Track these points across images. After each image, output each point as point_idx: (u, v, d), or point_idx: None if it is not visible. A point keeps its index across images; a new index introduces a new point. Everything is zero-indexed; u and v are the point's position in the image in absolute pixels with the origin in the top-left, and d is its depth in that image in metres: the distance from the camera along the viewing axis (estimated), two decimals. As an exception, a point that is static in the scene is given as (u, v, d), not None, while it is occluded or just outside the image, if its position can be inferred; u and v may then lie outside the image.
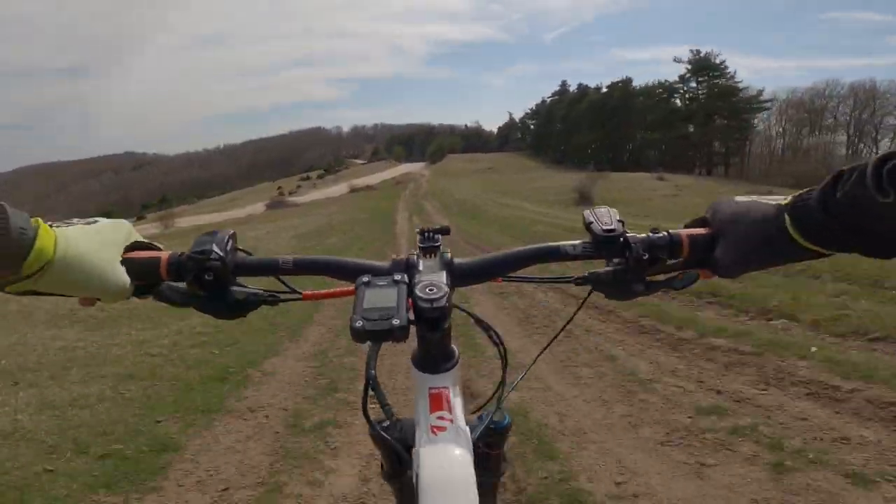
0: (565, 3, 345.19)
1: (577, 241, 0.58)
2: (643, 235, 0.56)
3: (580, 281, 0.59)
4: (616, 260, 0.57)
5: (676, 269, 0.58)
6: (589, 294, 0.62)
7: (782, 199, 0.51)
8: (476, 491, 0.46)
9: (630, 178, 35.84)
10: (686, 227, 0.59)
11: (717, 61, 62.00)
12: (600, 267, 0.59)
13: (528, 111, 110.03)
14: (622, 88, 71.25)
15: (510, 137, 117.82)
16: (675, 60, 64.57)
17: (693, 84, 64.29)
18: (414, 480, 0.48)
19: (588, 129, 72.26)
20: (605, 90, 74.89)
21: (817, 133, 55.33)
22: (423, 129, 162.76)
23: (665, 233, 0.56)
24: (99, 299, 0.53)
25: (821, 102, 56.17)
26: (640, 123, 66.89)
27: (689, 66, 63.41)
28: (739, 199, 0.55)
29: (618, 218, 0.58)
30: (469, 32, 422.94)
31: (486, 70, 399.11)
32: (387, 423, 0.55)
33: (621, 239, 0.56)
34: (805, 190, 0.48)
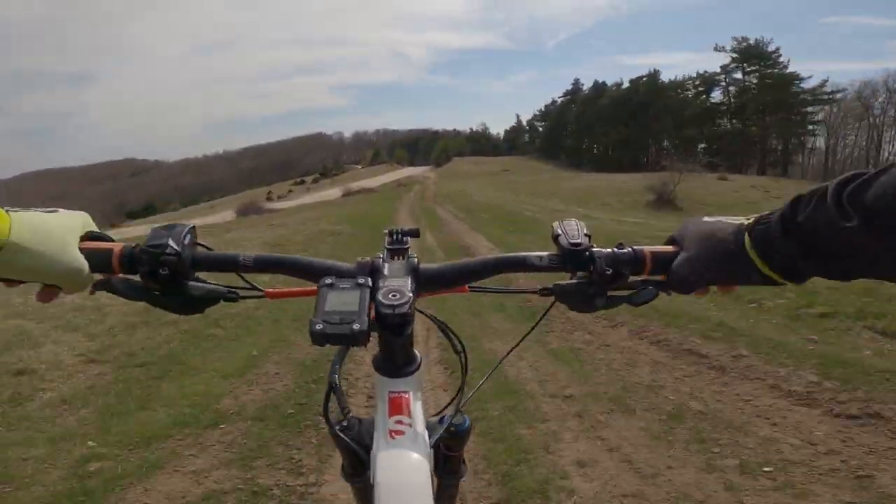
0: (566, 10, 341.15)
1: (544, 253, 0.58)
2: (608, 250, 0.57)
3: (545, 292, 0.59)
4: (580, 273, 0.58)
5: (637, 285, 0.58)
6: (552, 305, 0.62)
7: (745, 219, 0.52)
8: (432, 497, 0.46)
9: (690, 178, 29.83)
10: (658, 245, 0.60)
11: (769, 49, 54.26)
12: (565, 279, 0.60)
13: (537, 113, 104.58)
14: (648, 83, 64.77)
15: (518, 141, 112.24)
16: (716, 49, 57.16)
17: (738, 75, 56.82)
18: (372, 482, 0.49)
19: (609, 128, 65.64)
20: (626, 86, 68.67)
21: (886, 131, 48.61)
22: (426, 134, 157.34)
23: (630, 249, 0.57)
24: (59, 289, 0.51)
25: (884, 96, 49.58)
26: (671, 120, 60.05)
27: (735, 55, 55.97)
28: (707, 219, 0.56)
29: (585, 232, 0.58)
30: (471, 39, 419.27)
31: (489, 77, 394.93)
32: (345, 423, 0.55)
33: (587, 253, 0.56)
34: (766, 213, 0.49)
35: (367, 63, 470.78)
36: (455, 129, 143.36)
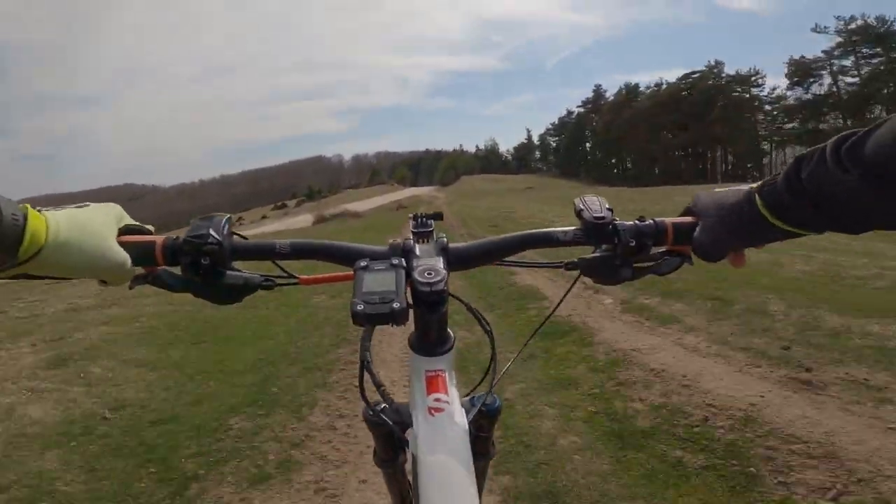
0: (563, 30, 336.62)
1: (568, 228, 0.59)
2: (631, 223, 0.58)
3: (570, 266, 0.60)
4: (605, 246, 0.59)
5: (660, 255, 0.60)
6: (577, 278, 0.63)
7: (754, 185, 0.54)
8: (473, 470, 0.47)
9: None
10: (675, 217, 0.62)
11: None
12: (588, 253, 0.61)
13: (550, 126, 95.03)
14: (706, 77, 53.62)
15: (529, 158, 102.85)
16: (814, 31, 44.82)
17: (847, 62, 44.00)
18: (410, 462, 0.49)
19: (664, 134, 54.53)
20: (664, 86, 58.53)
21: None
22: (429, 154, 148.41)
23: (651, 221, 0.59)
24: (104, 282, 0.53)
25: None
26: (743, 121, 48.79)
27: (844, 38, 43.29)
28: (718, 189, 0.59)
29: (607, 206, 0.59)
30: (470, 62, 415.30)
31: (489, 98, 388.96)
32: (382, 406, 0.54)
33: (610, 226, 0.57)
34: (772, 175, 0.51)
35: (368, 87, 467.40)
36: (461, 147, 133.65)
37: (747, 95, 51.47)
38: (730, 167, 53.18)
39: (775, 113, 49.53)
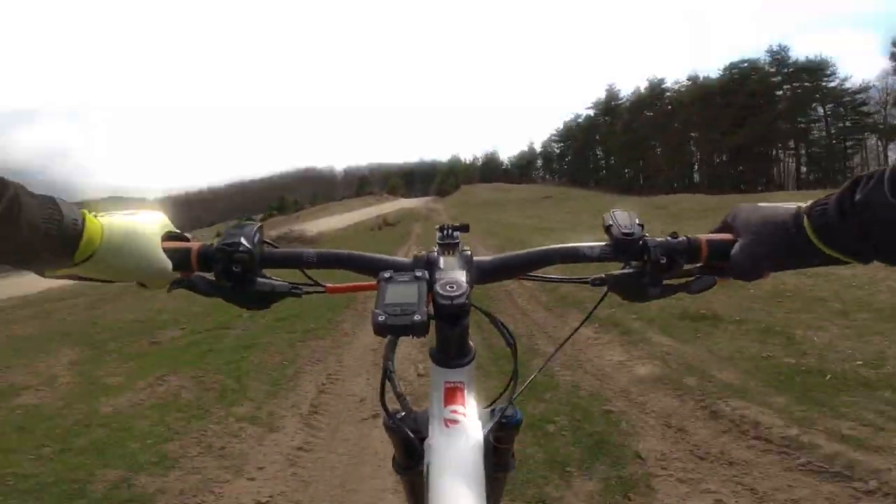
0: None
1: (596, 244, 0.58)
2: (661, 239, 0.57)
3: (597, 282, 0.59)
4: (634, 262, 0.58)
5: (693, 273, 0.58)
6: (605, 295, 0.61)
7: (803, 203, 0.51)
8: (484, 484, 0.47)
9: None
10: (710, 233, 0.59)
11: None
12: (617, 268, 0.59)
13: (554, 132, 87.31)
14: (760, 67, 44.43)
15: (531, 167, 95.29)
16: None
17: None
18: (425, 471, 0.50)
19: (713, 133, 45.57)
20: (699, 78, 50.27)
21: None
22: (423, 165, 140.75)
23: (684, 237, 0.57)
24: (143, 285, 0.54)
25: None
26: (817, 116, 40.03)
27: None
28: (762, 204, 0.56)
29: (637, 221, 0.58)
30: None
31: (487, 107, 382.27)
32: (401, 415, 0.55)
33: (640, 242, 0.56)
34: (825, 196, 0.48)
35: (362, 96, 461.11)
36: (458, 156, 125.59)
37: (812, 85, 43.10)
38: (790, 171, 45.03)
39: (848, 106, 41.46)
